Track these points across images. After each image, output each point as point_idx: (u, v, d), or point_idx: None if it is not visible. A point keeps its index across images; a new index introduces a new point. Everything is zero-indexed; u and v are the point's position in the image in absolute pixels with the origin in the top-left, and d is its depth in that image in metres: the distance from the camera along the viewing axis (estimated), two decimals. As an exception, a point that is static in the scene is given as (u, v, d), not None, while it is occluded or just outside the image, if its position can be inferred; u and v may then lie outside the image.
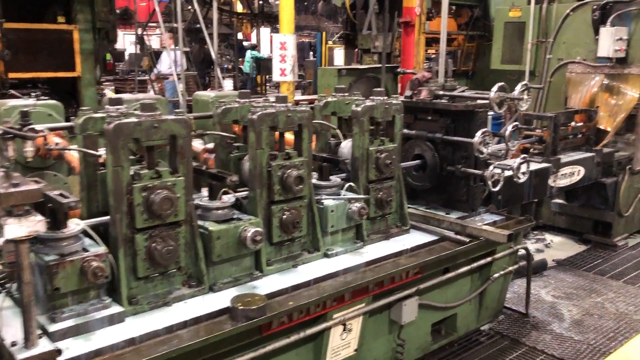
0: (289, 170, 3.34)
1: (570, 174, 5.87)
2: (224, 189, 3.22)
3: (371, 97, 3.93)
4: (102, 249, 2.75)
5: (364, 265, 3.60)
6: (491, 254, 4.39)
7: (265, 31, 32.27)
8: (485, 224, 4.43)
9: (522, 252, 4.78)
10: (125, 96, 5.03)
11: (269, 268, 3.35)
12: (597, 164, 6.19)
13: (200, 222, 3.13)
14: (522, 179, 4.44)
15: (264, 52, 30.10)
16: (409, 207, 4.63)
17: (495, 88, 4.09)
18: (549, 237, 7.15)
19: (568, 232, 7.15)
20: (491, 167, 4.18)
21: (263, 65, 23.48)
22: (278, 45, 5.86)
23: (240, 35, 27.99)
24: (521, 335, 4.62)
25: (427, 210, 4.55)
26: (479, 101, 4.40)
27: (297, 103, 5.20)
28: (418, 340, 4.17)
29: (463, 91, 4.59)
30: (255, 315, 2.85)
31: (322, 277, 3.37)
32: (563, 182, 5.80)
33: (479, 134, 4.14)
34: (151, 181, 2.84)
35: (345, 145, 4.07)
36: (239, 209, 3.39)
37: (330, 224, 3.62)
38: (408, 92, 4.70)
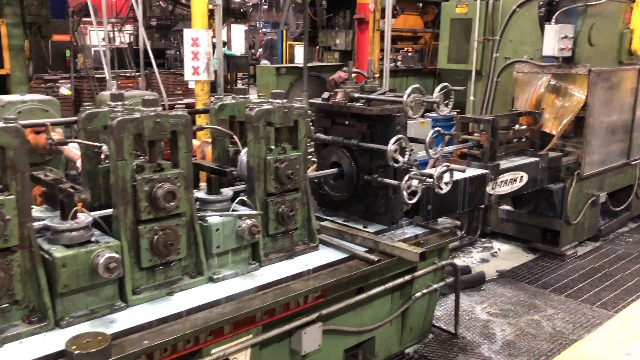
0: (159, 185, 2.91)
1: (511, 181, 5.51)
2: (75, 208, 2.78)
3: (269, 100, 3.51)
4: None
5: (255, 291, 3.19)
6: (412, 271, 4.01)
7: (238, 28, 31.75)
8: (406, 238, 4.05)
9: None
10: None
11: (137, 297, 2.92)
12: (543, 170, 5.85)
13: (47, 247, 2.70)
14: (445, 189, 4.05)
15: (235, 50, 29.54)
16: (327, 220, 4.27)
17: (408, 90, 3.70)
18: (497, 245, 6.81)
19: (517, 240, 6.81)
20: (406, 177, 3.79)
21: (233, 63, 23.01)
22: (189, 42, 5.41)
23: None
24: (446, 358, 4.25)
25: (344, 224, 4.16)
26: (398, 105, 4.01)
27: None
28: (327, 368, 3.77)
29: (384, 93, 4.19)
30: (93, 360, 2.41)
31: (199, 307, 2.95)
32: (504, 190, 5.44)
33: (392, 140, 3.75)
34: (-30, 201, 2.40)
35: (245, 154, 3.65)
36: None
37: (215, 244, 3.19)
38: (325, 94, 4.29)
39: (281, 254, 3.56)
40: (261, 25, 39.48)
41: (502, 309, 5.02)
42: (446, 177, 4.05)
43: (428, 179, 4.00)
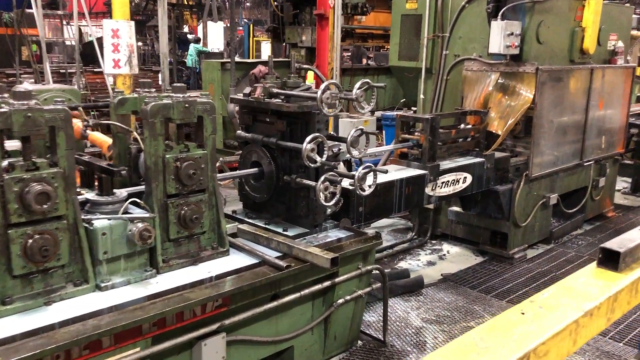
0: (32, 185, 2.67)
1: (454, 182, 5.33)
2: None
3: (169, 94, 3.28)
4: None
5: (144, 300, 2.96)
6: (333, 277, 3.81)
7: (216, 25, 31.42)
8: (326, 242, 3.85)
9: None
10: None
11: (7, 308, 2.68)
12: (489, 170, 5.68)
13: None
14: (368, 191, 3.85)
15: (212, 46, 29.22)
16: (247, 222, 4.05)
17: (323, 86, 3.48)
18: (446, 247, 6.63)
19: (467, 242, 6.64)
20: (322, 178, 3.57)
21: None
22: (110, 33, 5.12)
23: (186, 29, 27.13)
24: (371, 369, 4.05)
25: (265, 227, 3.95)
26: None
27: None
28: (237, 381, 3.55)
29: (308, 89, 3.98)
30: None
31: (75, 318, 2.71)
32: (445, 191, 5.26)
33: (308, 139, 3.54)
34: None
35: (149, 152, 3.41)
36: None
37: (102, 249, 2.96)
38: (247, 90, 4.07)
39: (184, 260, 3.33)
40: (243, 23, 39.29)
41: (438, 315, 4.83)
42: (369, 179, 3.85)
43: (350, 180, 3.81)
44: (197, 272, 3.27)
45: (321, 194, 3.59)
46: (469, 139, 5.70)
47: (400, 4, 6.77)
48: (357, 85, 3.64)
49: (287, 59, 11.38)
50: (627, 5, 7.59)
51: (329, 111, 3.54)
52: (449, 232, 6.72)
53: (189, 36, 25.98)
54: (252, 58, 15.17)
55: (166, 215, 3.25)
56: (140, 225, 3.00)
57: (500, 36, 5.58)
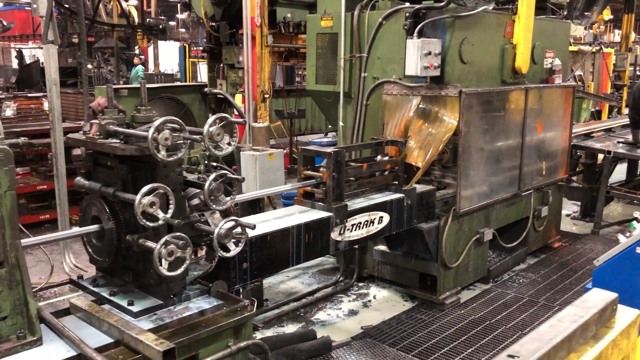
0: None
1: (367, 223, 4.62)
2: None
3: (-59, 141, 2.49)
4: None
5: None
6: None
7: (170, 45, 30.55)
8: (184, 318, 3.06)
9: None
10: None
11: None
12: (410, 207, 5.00)
13: None
14: (234, 250, 3.10)
15: (165, 68, 28.31)
16: (91, 291, 3.26)
17: (156, 123, 2.73)
18: (373, 291, 5.91)
19: (397, 284, 5.94)
20: (162, 240, 2.80)
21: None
22: None
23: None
24: None
25: (109, 297, 3.15)
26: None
27: None
28: None
29: (161, 125, 3.21)
30: None
31: None
32: (356, 234, 4.54)
33: (144, 190, 2.77)
34: None
35: None
36: None
37: None
38: (87, 127, 3.30)
39: (-30, 357, 2.52)
40: (204, 42, 38.67)
41: (345, 386, 4.09)
42: (237, 235, 3.10)
43: (208, 238, 3.06)
44: (-16, 375, 2.47)
45: (163, 260, 2.81)
46: (386, 173, 5.01)
47: (315, 21, 6.09)
48: (210, 121, 2.90)
49: (179, 84, 10.61)
50: (564, 20, 7.08)
51: (166, 155, 2.79)
52: (376, 273, 6.01)
53: (141, 57, 25.14)
54: (189, 81, 14.39)
55: (-61, 301, 2.44)
56: None
57: (416, 56, 4.94)
